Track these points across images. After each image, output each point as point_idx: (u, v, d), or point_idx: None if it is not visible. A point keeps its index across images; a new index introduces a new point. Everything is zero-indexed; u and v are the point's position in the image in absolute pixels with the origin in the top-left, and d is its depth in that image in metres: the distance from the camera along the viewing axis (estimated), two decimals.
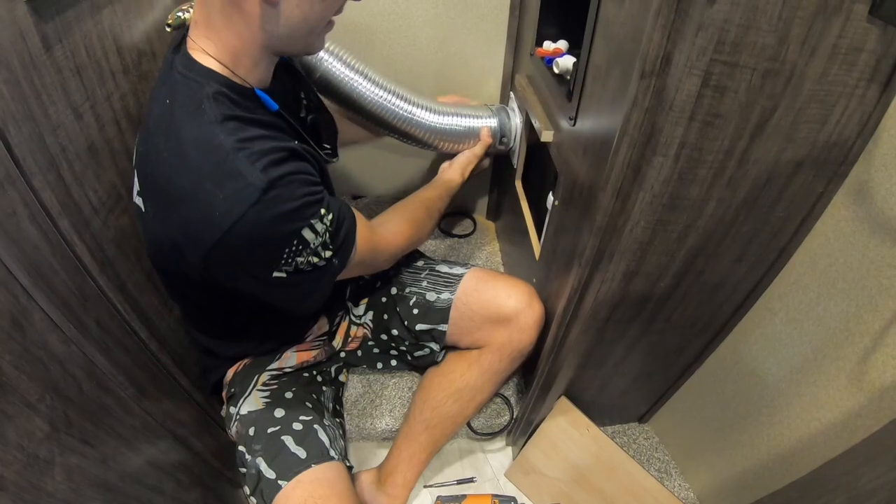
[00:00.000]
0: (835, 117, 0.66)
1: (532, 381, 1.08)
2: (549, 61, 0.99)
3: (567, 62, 0.95)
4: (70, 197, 0.79)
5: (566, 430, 1.09)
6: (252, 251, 0.69)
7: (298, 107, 0.95)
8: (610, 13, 0.72)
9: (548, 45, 1.04)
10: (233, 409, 0.94)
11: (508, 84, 1.35)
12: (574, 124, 0.86)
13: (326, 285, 0.80)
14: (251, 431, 0.88)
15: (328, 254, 0.75)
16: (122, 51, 0.91)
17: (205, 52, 0.71)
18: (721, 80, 0.60)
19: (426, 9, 1.27)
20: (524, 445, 1.16)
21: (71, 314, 0.74)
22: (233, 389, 0.96)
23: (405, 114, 1.10)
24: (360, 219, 0.83)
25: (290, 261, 0.71)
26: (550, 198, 1.00)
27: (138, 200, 0.76)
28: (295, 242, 0.70)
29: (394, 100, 1.09)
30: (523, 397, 1.18)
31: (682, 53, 0.58)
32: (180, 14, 0.78)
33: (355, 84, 1.06)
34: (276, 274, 0.72)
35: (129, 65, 0.93)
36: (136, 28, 0.95)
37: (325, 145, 0.97)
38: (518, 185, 1.26)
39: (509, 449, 1.28)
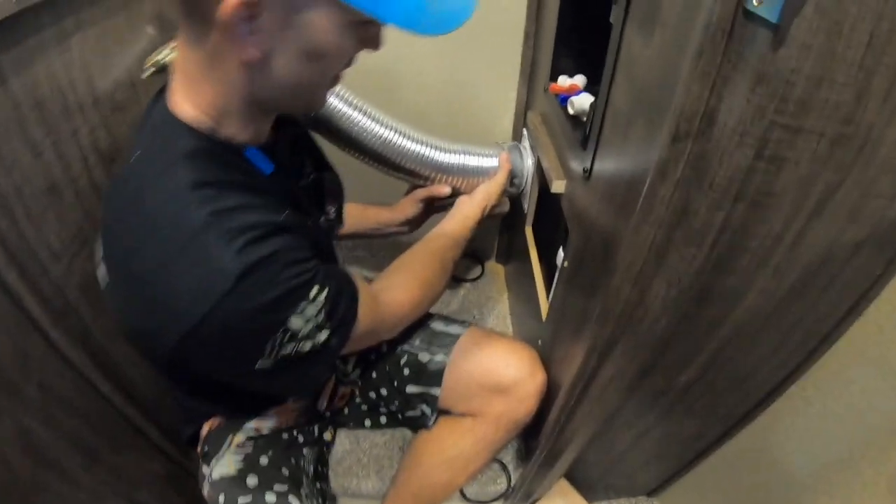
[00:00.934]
0: None
1: (533, 451, 0.98)
2: (563, 100, 0.88)
3: (583, 102, 0.84)
4: (25, 242, 0.72)
5: None
6: (228, 345, 0.58)
7: (301, 162, 0.82)
8: (635, 49, 0.60)
9: (563, 81, 0.93)
10: (205, 469, 0.86)
11: (522, 120, 1.24)
12: (588, 178, 0.76)
13: (322, 370, 0.70)
14: (221, 499, 0.80)
15: (323, 336, 0.62)
16: (94, 81, 0.84)
17: (187, 102, 0.60)
18: (780, 150, 0.47)
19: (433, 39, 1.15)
20: None
21: (5, 382, 0.67)
22: (206, 447, 0.88)
23: (409, 152, 1.01)
24: (362, 289, 0.70)
25: (275, 353, 0.59)
26: (560, 254, 0.90)
27: (101, 269, 0.64)
28: (280, 333, 0.58)
29: (396, 138, 1.00)
30: (522, 463, 1.08)
31: (731, 113, 0.45)
32: (160, 57, 0.66)
33: (354, 121, 0.97)
34: (259, 366, 0.60)
35: (100, 96, 0.85)
36: (111, 55, 0.87)
37: (329, 209, 0.86)
38: (528, 231, 1.15)
39: None
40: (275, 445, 0.89)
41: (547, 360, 0.92)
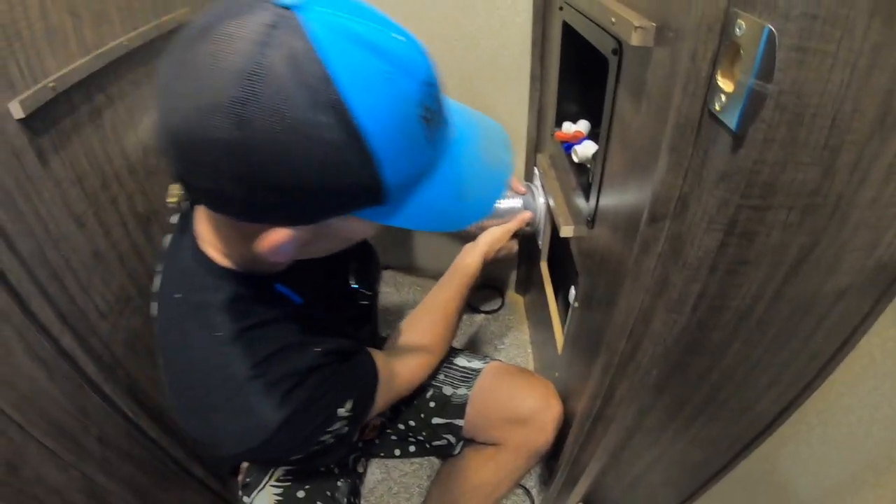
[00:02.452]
0: (887, 239, 0.56)
1: (554, 475, 1.02)
2: (567, 148, 0.92)
3: (587, 150, 0.87)
4: (75, 306, 0.79)
5: None
6: (266, 460, 0.71)
7: (335, 268, 0.84)
8: (627, 114, 0.64)
9: (567, 128, 0.96)
10: (246, 500, 0.92)
11: (533, 159, 1.27)
12: (592, 228, 0.79)
13: (343, 449, 0.78)
14: None
15: (346, 430, 0.70)
16: (126, 151, 0.90)
17: (217, 252, 0.61)
18: (749, 226, 0.49)
19: (444, 74, 1.18)
20: None
21: (68, 439, 0.74)
22: (248, 479, 0.94)
23: None
24: (380, 370, 0.76)
25: (305, 453, 0.67)
26: (572, 292, 0.94)
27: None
28: (313, 447, 0.66)
29: None
30: (545, 487, 1.12)
31: (699, 202, 0.49)
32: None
33: None
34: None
35: (134, 164, 0.92)
36: (140, 124, 0.94)
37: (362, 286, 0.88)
38: (543, 267, 1.19)
39: None
40: (312, 478, 0.94)
41: (563, 392, 0.97)
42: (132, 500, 0.83)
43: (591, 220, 0.79)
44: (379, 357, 0.78)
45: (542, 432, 0.95)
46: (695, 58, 0.45)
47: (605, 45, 0.68)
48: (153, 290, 0.70)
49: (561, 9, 0.87)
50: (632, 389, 0.68)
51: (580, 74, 0.95)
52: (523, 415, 0.95)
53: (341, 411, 0.67)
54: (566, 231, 0.88)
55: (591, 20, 0.73)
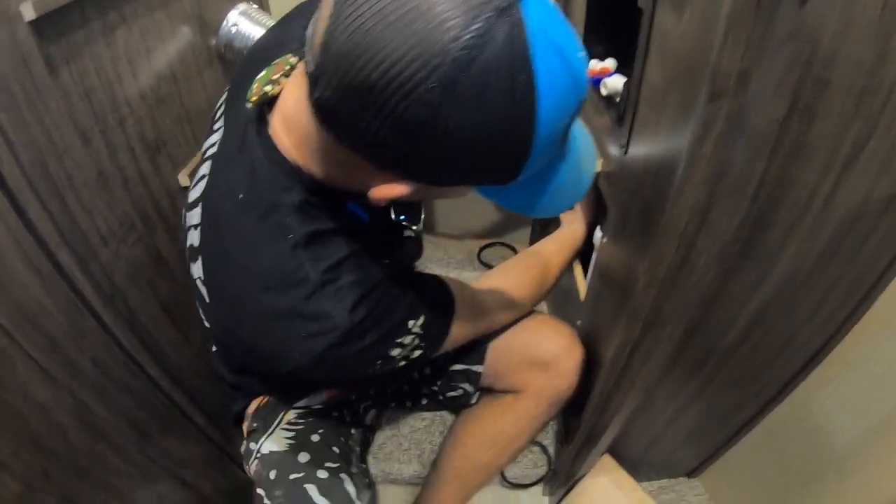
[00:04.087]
0: None
1: (574, 431, 0.98)
2: (595, 82, 0.89)
3: (616, 83, 0.85)
4: (75, 226, 0.74)
5: (609, 490, 0.98)
6: (329, 376, 0.67)
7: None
8: (667, 25, 0.61)
9: (594, 65, 0.93)
10: (253, 446, 0.86)
11: None
12: (626, 153, 0.76)
13: (410, 372, 0.77)
14: (272, 475, 0.80)
15: (417, 353, 0.68)
16: (138, 74, 0.86)
17: (299, 155, 0.58)
18: (811, 102, 0.49)
19: None
20: (562, 499, 1.05)
21: (60, 356, 0.68)
22: (255, 424, 0.88)
23: None
24: (458, 300, 0.74)
25: (372, 373, 0.65)
26: (598, 233, 0.90)
27: (202, 288, 0.67)
28: (379, 363, 0.64)
29: None
30: (563, 447, 1.07)
31: (764, 69, 0.47)
32: (268, 89, 0.58)
33: None
34: (353, 379, 0.69)
35: (145, 89, 0.88)
36: (153, 50, 0.90)
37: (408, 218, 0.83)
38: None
39: (546, 499, 1.17)
40: (325, 423, 0.89)
41: (586, 341, 0.93)
42: (130, 434, 0.78)
43: (626, 144, 0.76)
44: (455, 285, 0.76)
45: (565, 377, 0.91)
46: None
47: None
48: (191, 198, 0.67)
49: None
50: (681, 305, 0.64)
51: (606, 13, 0.93)
52: (545, 359, 0.90)
53: (412, 324, 0.65)
54: (597, 166, 0.84)
55: None
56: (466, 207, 1.64)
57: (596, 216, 1.02)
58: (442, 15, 0.39)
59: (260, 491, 0.80)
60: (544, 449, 1.14)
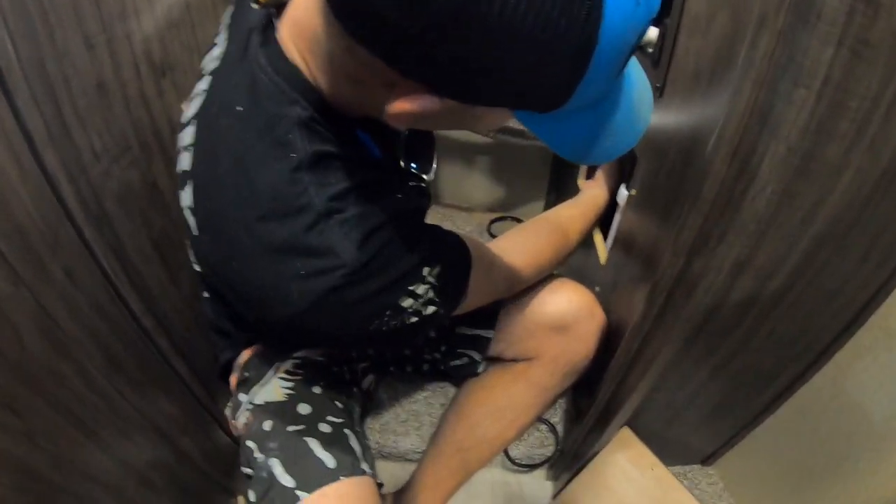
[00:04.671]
0: None
1: (587, 406, 0.91)
2: None
3: (650, 34, 0.81)
4: (67, 133, 0.69)
5: (624, 468, 0.90)
6: (331, 325, 0.56)
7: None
8: None
9: None
10: (243, 397, 0.78)
11: None
12: (661, 95, 0.73)
13: (422, 335, 0.66)
14: (266, 426, 0.72)
15: (431, 309, 0.60)
16: None
17: (305, 65, 0.52)
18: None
19: None
20: (570, 481, 0.98)
21: (28, 252, 0.60)
22: (246, 374, 0.80)
23: None
24: (476, 256, 0.67)
25: (379, 328, 0.57)
26: (623, 192, 0.86)
27: (190, 219, 0.60)
28: (388, 313, 0.56)
29: None
30: (573, 426, 1.01)
31: None
32: None
33: None
34: (358, 335, 0.59)
35: (156, 8, 0.84)
36: None
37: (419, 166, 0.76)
38: (581, 183, 1.11)
39: (550, 484, 1.10)
40: (327, 377, 0.82)
41: (607, 307, 0.87)
42: (100, 361, 0.69)
43: (661, 87, 0.73)
44: (471, 241, 0.69)
45: (584, 342, 0.85)
46: None
47: None
48: (187, 117, 0.61)
49: None
50: (737, 225, 0.59)
51: None
52: (564, 321, 0.84)
53: (427, 271, 0.57)
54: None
55: None
56: (477, 178, 1.59)
57: (618, 183, 0.98)
58: None
59: (250, 444, 0.73)
60: (552, 427, 1.07)
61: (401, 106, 0.44)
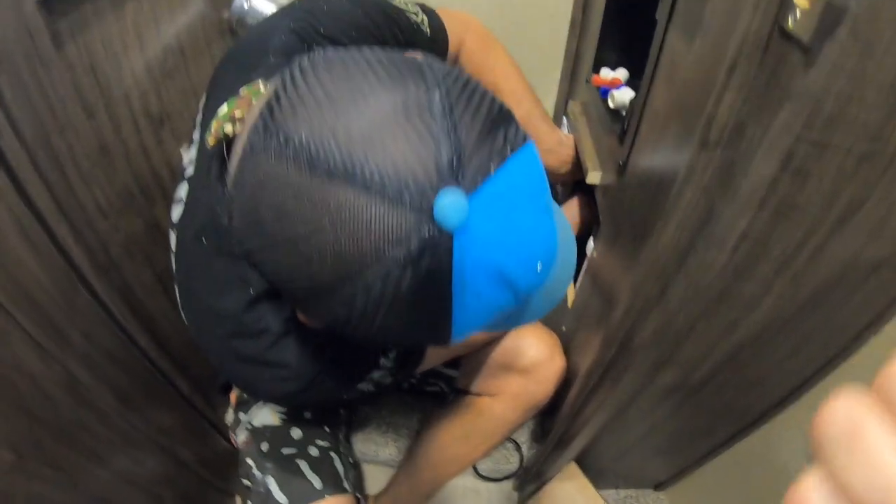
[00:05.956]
0: None
1: (548, 432, 1.00)
2: (604, 93, 0.88)
3: (624, 96, 0.84)
4: (74, 197, 0.76)
5: (572, 497, 1.00)
6: (296, 404, 0.69)
7: None
8: (677, 50, 0.60)
9: (605, 74, 0.92)
10: (242, 416, 0.90)
11: (563, 107, 1.23)
12: (623, 172, 0.76)
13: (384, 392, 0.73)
14: (264, 447, 0.84)
15: (388, 380, 0.67)
16: (145, 47, 0.86)
17: None
18: (805, 164, 0.47)
19: (476, 15, 1.12)
20: (530, 497, 1.08)
21: (53, 329, 0.70)
22: (245, 395, 0.92)
23: None
24: None
25: (340, 398, 0.67)
26: (590, 244, 0.90)
27: (176, 291, 0.66)
28: (346, 395, 0.65)
29: None
30: (536, 444, 1.10)
31: (759, 126, 0.46)
32: (228, 129, 0.50)
33: None
34: (324, 404, 0.73)
35: (152, 62, 0.88)
36: (163, 23, 0.89)
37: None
38: None
39: (516, 494, 1.20)
40: (316, 403, 0.92)
41: (568, 347, 0.94)
42: (113, 402, 0.80)
43: (624, 164, 0.76)
44: None
45: (543, 384, 0.92)
46: None
47: None
48: (171, 220, 0.66)
49: None
50: (654, 337, 0.64)
51: (623, 21, 0.91)
52: (525, 364, 0.91)
53: (384, 361, 0.64)
54: (593, 177, 0.84)
55: None
56: None
57: (589, 222, 1.02)
58: (356, 233, 0.33)
59: (249, 461, 0.84)
60: (518, 446, 1.17)
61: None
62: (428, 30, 0.77)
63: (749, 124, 0.47)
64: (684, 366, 0.69)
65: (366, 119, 0.33)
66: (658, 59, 0.65)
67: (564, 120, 1.10)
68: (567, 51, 1.16)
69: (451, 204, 0.32)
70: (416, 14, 0.75)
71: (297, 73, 0.36)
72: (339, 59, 0.37)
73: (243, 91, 0.51)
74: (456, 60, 0.87)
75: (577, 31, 1.11)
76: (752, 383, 0.75)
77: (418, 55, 0.38)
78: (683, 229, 0.55)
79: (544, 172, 0.40)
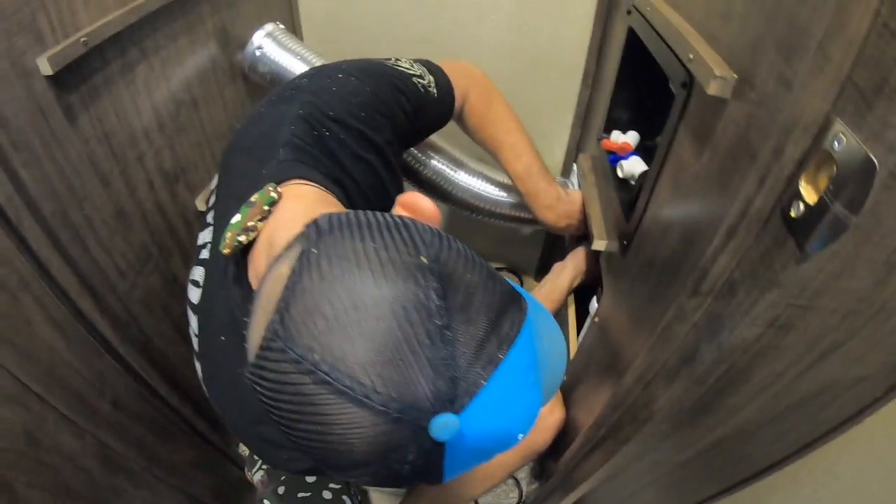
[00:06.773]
0: None
1: (548, 472, 1.04)
2: (613, 161, 0.87)
3: (633, 167, 0.83)
4: (95, 266, 0.78)
5: None
6: None
7: None
8: (685, 156, 0.60)
9: (616, 137, 0.91)
10: (258, 457, 0.96)
11: (573, 156, 1.22)
12: (624, 254, 0.77)
13: None
14: (280, 490, 0.90)
15: None
16: (157, 105, 0.87)
17: None
18: (789, 321, 0.48)
19: (491, 61, 1.13)
20: None
21: (84, 405, 0.74)
22: None
23: (463, 184, 1.03)
24: None
25: None
26: (594, 304, 0.92)
27: (197, 364, 0.69)
28: None
29: (443, 167, 1.01)
30: (535, 481, 1.14)
31: (749, 297, 0.47)
32: (242, 239, 0.53)
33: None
34: None
35: (164, 119, 0.89)
36: (174, 78, 0.90)
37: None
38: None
39: None
40: None
41: (569, 397, 0.97)
42: (140, 461, 0.85)
43: (626, 245, 0.76)
44: None
45: (542, 433, 0.95)
46: (778, 153, 0.42)
47: (674, 74, 0.63)
48: (191, 301, 0.67)
49: (629, 13, 0.81)
50: (639, 434, 0.67)
51: (638, 84, 0.90)
52: None
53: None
54: (599, 245, 0.85)
55: (662, 40, 0.68)
56: (472, 228, 1.59)
57: (595, 274, 1.03)
58: (345, 411, 0.37)
59: (267, 502, 0.90)
60: (517, 482, 1.22)
61: None
62: (435, 91, 0.77)
63: (740, 288, 0.48)
64: (670, 452, 0.73)
65: (371, 349, 0.36)
66: (666, 156, 0.65)
67: (574, 168, 1.09)
68: (579, 101, 1.15)
69: (443, 424, 0.37)
70: (422, 77, 0.76)
71: (306, 278, 0.39)
72: (342, 263, 0.39)
73: (255, 198, 0.54)
74: (461, 115, 0.88)
75: (589, 82, 1.09)
76: (735, 462, 0.78)
77: (422, 254, 0.40)
78: (672, 355, 0.57)
79: (537, 353, 0.43)
